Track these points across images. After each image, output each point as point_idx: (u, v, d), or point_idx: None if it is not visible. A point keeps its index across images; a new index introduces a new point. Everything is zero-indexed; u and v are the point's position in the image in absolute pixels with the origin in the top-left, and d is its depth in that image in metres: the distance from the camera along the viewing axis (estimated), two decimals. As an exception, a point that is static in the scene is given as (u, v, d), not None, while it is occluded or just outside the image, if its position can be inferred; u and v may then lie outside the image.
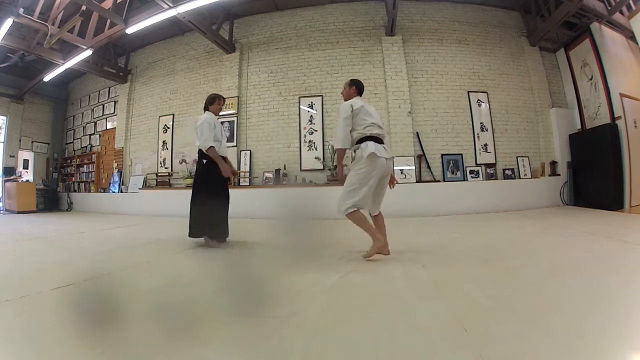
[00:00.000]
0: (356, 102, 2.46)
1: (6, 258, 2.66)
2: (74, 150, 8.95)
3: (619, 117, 5.10)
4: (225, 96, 6.16)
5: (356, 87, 2.62)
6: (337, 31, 6.23)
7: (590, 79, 5.63)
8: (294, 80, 6.20)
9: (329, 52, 6.17)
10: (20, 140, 8.48)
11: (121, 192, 7.38)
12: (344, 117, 2.39)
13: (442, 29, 6.13)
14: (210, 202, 2.83)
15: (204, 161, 2.93)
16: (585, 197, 5.44)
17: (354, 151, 2.42)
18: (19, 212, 7.15)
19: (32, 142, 8.78)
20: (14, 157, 8.29)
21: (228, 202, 3.08)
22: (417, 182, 5.51)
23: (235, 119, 6.27)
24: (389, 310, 1.39)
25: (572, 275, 1.84)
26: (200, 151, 2.95)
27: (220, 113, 3.26)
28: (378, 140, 2.39)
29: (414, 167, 5.55)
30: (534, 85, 6.10)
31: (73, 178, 8.75)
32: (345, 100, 2.59)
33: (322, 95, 6.03)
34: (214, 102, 3.08)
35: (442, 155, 5.74)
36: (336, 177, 2.55)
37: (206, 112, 3.06)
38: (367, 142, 2.34)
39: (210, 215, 2.87)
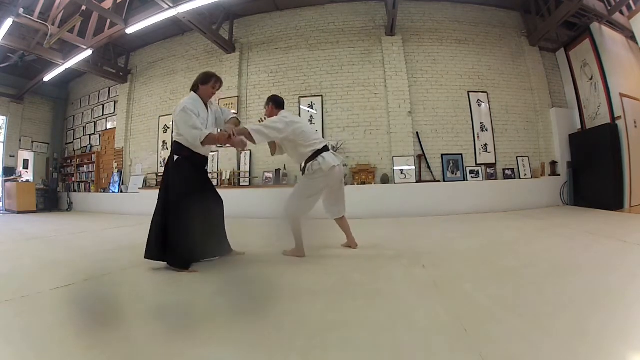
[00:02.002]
0: (292, 115, 2.55)
1: (6, 258, 2.66)
2: (74, 150, 8.95)
3: (619, 117, 5.10)
4: (225, 96, 6.31)
5: (273, 103, 2.57)
6: (337, 31, 6.23)
7: (590, 79, 5.63)
8: (294, 80, 6.20)
9: (329, 52, 6.17)
10: (20, 140, 8.48)
11: (121, 192, 7.38)
12: (280, 127, 2.35)
13: (442, 29, 6.12)
14: (177, 215, 2.13)
15: (175, 157, 2.24)
16: (585, 197, 5.44)
17: (312, 166, 2.47)
18: (19, 212, 7.15)
19: (32, 142, 8.78)
20: (14, 157, 8.29)
21: (214, 212, 2.42)
22: (417, 182, 5.50)
23: (235, 119, 6.27)
24: (389, 310, 1.39)
25: (572, 275, 1.84)
26: (174, 144, 2.29)
27: None
28: (327, 148, 2.53)
29: (414, 167, 5.55)
30: (534, 85, 6.10)
31: (73, 178, 8.74)
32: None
33: (322, 95, 6.03)
34: (207, 82, 2.33)
35: (442, 155, 5.74)
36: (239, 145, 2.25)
37: (192, 93, 2.34)
38: (323, 156, 2.45)
39: (175, 233, 2.12)
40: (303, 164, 2.56)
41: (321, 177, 2.44)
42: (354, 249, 2.67)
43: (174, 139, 2.33)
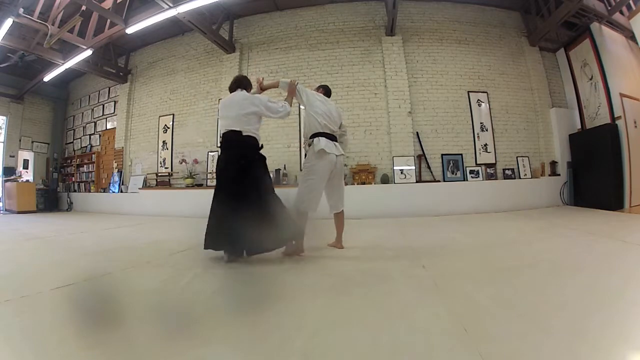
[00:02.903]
0: (322, 97, 2.72)
1: (6, 258, 2.66)
2: (74, 150, 8.95)
3: (619, 117, 5.10)
4: (225, 96, 6.30)
5: (323, 89, 2.90)
6: (337, 31, 6.23)
7: (590, 79, 5.63)
8: (294, 80, 6.20)
9: (329, 52, 6.17)
10: (20, 140, 8.48)
11: (121, 192, 7.38)
12: (304, 93, 2.62)
13: (442, 29, 6.13)
14: (277, 205, 2.35)
15: (261, 153, 2.43)
16: (585, 197, 5.44)
17: (308, 145, 2.56)
18: (19, 212, 7.15)
19: (32, 142, 8.78)
20: (14, 157, 8.29)
21: None
22: (417, 182, 5.51)
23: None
24: (389, 310, 1.39)
25: (572, 275, 1.84)
26: (251, 139, 2.36)
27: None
28: (329, 137, 2.57)
29: (414, 167, 5.55)
30: (534, 85, 6.10)
31: (73, 178, 8.74)
32: None
33: (322, 95, 6.03)
34: (249, 89, 2.63)
35: (442, 155, 5.74)
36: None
37: (243, 90, 2.55)
38: (319, 138, 2.50)
39: (284, 221, 2.32)
40: (305, 147, 2.66)
41: (313, 163, 2.47)
42: (339, 249, 2.67)
43: (250, 134, 2.36)
